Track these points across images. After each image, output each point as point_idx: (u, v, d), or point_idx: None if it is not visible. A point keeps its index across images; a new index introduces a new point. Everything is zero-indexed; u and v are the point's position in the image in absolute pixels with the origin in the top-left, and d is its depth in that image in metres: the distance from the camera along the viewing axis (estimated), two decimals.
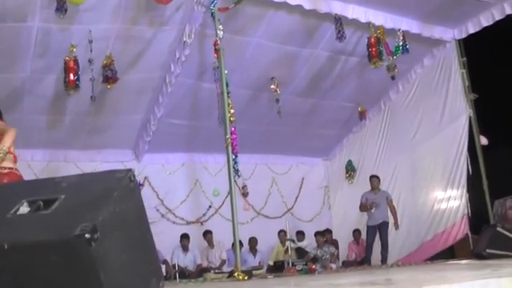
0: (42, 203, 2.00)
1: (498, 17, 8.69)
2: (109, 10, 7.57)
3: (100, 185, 2.08)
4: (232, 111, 6.61)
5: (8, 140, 4.50)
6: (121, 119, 9.91)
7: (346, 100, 10.97)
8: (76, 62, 7.68)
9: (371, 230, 9.51)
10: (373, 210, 9.47)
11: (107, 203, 1.94)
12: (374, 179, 9.86)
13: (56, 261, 1.80)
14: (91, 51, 7.74)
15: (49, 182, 2.24)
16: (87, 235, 1.75)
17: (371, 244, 9.56)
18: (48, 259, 1.81)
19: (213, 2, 6.99)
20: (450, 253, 9.71)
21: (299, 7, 7.95)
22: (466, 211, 9.44)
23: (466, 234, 9.42)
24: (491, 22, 8.87)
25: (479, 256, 7.75)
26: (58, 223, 1.88)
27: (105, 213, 1.89)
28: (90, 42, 7.70)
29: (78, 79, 7.70)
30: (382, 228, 9.39)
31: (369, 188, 9.85)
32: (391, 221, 9.61)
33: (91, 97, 8.00)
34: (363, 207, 9.65)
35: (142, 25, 7.98)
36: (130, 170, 2.11)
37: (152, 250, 2.25)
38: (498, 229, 8.03)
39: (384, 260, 9.17)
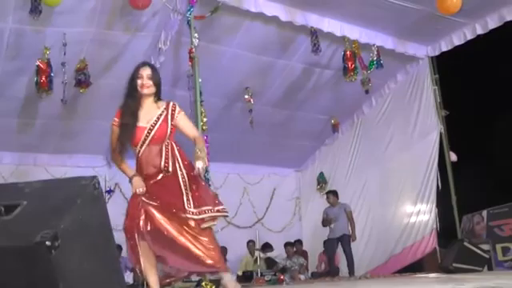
0: (3, 208, 1.96)
1: (470, 36, 8.85)
2: (84, 14, 7.49)
3: (64, 191, 2.05)
4: (205, 120, 6.59)
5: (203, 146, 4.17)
6: (93, 124, 9.80)
7: (320, 112, 11.04)
8: (49, 64, 7.60)
9: (330, 242, 9.55)
10: (332, 226, 9.54)
11: (70, 210, 1.91)
12: (329, 195, 9.96)
13: (15, 268, 1.77)
14: (65, 54, 7.66)
15: (11, 187, 2.20)
16: (48, 242, 1.73)
17: (331, 256, 9.64)
18: (7, 266, 1.78)
19: (189, 10, 6.97)
20: (418, 266, 9.79)
21: (275, 18, 7.99)
22: (434, 226, 9.51)
23: (434, 247, 9.50)
24: (463, 41, 9.04)
25: (446, 270, 7.85)
26: (19, 229, 1.85)
27: (67, 220, 1.86)
28: (64, 45, 7.61)
29: (50, 82, 7.61)
30: (343, 241, 9.44)
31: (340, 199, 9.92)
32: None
33: (62, 100, 7.87)
34: (324, 222, 9.71)
35: (117, 30, 7.92)
36: (94, 177, 2.09)
37: (115, 259, 2.23)
38: (465, 244, 8.16)
39: (351, 272, 9.20)
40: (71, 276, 1.82)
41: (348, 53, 8.84)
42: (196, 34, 6.75)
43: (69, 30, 7.58)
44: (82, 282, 1.90)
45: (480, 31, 8.65)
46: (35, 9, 6.63)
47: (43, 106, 8.78)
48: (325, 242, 10.63)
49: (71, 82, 8.01)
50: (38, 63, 7.54)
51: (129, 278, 9.36)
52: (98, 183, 2.08)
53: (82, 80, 7.99)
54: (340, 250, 9.59)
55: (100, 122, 9.81)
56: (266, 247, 11.09)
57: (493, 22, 8.42)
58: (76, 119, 9.49)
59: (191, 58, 6.71)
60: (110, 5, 7.45)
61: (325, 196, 10.57)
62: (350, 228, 9.51)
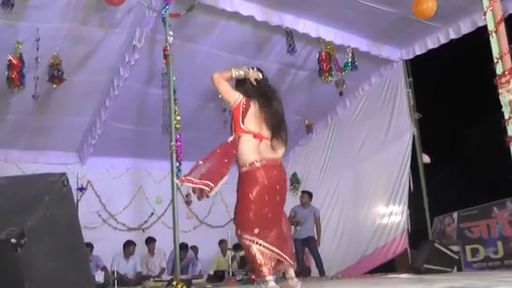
0: None
1: (443, 40, 8.96)
2: (58, 9, 7.38)
3: (31, 188, 2.01)
4: (178, 118, 6.53)
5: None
6: (66, 121, 9.70)
7: (294, 113, 11.01)
8: (21, 59, 7.48)
9: (297, 242, 9.48)
10: (298, 228, 9.56)
11: (37, 207, 1.88)
12: (304, 195, 10.01)
13: None
14: (38, 49, 7.55)
15: None
16: (13, 240, 1.70)
17: (299, 256, 9.63)
18: None
19: (164, 8, 6.91)
20: (390, 266, 9.88)
21: (251, 18, 7.97)
22: (406, 227, 9.60)
23: (406, 248, 9.58)
24: (437, 45, 9.14)
25: (417, 270, 7.92)
26: None
27: (34, 217, 1.83)
28: (38, 40, 7.50)
29: (22, 77, 7.49)
30: (309, 243, 9.52)
31: (312, 201, 9.95)
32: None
33: (33, 96, 7.73)
34: (291, 220, 9.70)
35: (91, 26, 7.83)
36: (63, 173, 2.06)
37: (84, 258, 2.20)
38: (436, 245, 8.24)
39: (322, 272, 9.25)
40: (37, 275, 1.79)
41: (323, 54, 8.88)
42: (171, 32, 6.69)
43: (42, 25, 7.47)
44: (48, 280, 1.87)
45: (453, 35, 8.76)
46: (7, 2, 6.52)
47: (15, 102, 8.64)
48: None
49: (44, 78, 7.90)
50: (9, 58, 7.41)
51: (100, 277, 9.27)
52: (67, 180, 2.05)
53: (56, 75, 7.87)
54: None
55: (73, 119, 9.72)
56: (238, 247, 11.04)
57: (465, 27, 8.54)
58: (48, 115, 9.36)
59: (166, 56, 6.65)
60: (85, 0, 7.36)
61: (298, 196, 10.58)
62: (315, 232, 9.59)
